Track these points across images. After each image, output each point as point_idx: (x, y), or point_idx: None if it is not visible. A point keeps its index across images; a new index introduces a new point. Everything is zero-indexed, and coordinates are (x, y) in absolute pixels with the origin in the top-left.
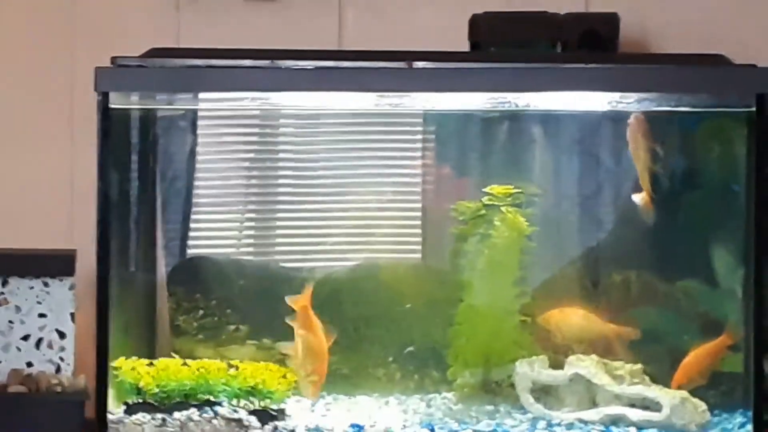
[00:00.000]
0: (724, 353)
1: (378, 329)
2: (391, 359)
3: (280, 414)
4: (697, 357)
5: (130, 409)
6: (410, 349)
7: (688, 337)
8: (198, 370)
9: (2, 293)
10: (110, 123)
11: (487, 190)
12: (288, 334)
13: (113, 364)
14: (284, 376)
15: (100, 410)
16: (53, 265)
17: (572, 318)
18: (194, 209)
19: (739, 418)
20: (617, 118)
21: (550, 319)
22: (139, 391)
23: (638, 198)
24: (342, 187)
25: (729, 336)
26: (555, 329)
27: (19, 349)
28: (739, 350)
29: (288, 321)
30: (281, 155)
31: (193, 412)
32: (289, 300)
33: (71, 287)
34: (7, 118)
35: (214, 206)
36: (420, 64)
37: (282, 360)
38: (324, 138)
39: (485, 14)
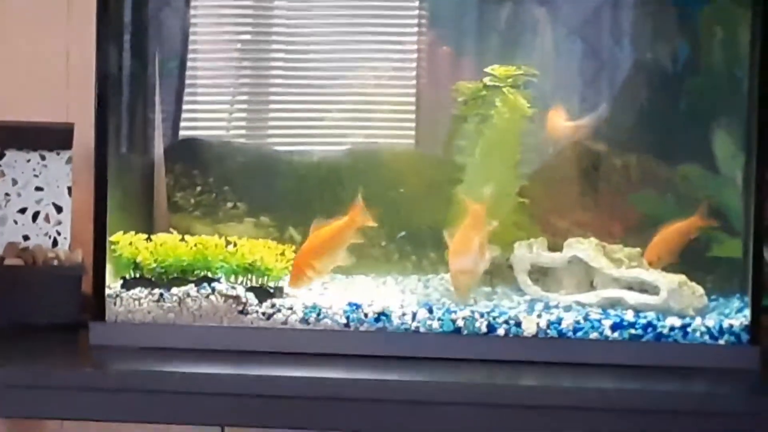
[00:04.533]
0: (694, 233)
1: (376, 210)
2: (389, 240)
3: (278, 292)
4: (665, 236)
5: (127, 284)
6: (402, 234)
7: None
8: (196, 246)
9: None
10: None
11: (488, 70)
12: (286, 213)
13: (111, 238)
14: (282, 254)
15: (97, 284)
16: (51, 138)
17: None
18: (191, 87)
19: (736, 303)
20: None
21: None
22: (136, 267)
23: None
24: (339, 70)
25: (700, 217)
26: None
27: (15, 222)
28: (737, 235)
29: None
30: (274, 37)
31: (191, 288)
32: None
33: (68, 161)
34: None
35: (210, 87)
36: None
37: (279, 238)
38: (319, 16)
39: None
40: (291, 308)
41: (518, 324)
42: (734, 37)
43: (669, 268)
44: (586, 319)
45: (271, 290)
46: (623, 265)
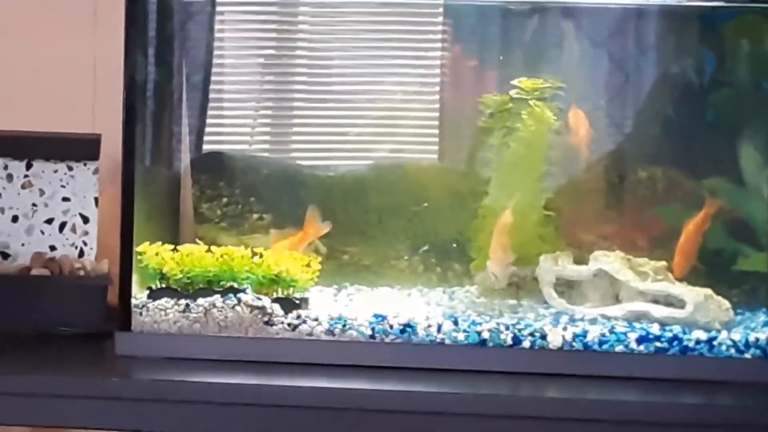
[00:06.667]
0: (708, 223)
1: (401, 221)
2: (414, 252)
3: (304, 303)
4: (687, 236)
5: (154, 295)
6: (425, 248)
7: (712, 235)
8: (222, 256)
9: (26, 176)
10: (137, 7)
11: (515, 83)
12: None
13: (137, 249)
14: (308, 265)
15: (123, 294)
16: (78, 148)
17: None
18: (218, 99)
19: (762, 317)
20: (647, 12)
21: None
22: (162, 277)
23: None
24: (363, 84)
25: (710, 206)
26: None
27: (42, 233)
28: (763, 249)
29: None
30: (299, 51)
31: (217, 299)
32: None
33: (95, 171)
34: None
35: (236, 101)
36: None
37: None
38: (343, 31)
39: None
40: (316, 319)
41: (543, 336)
42: (760, 49)
43: (695, 281)
44: (611, 332)
45: (297, 301)
46: (649, 278)
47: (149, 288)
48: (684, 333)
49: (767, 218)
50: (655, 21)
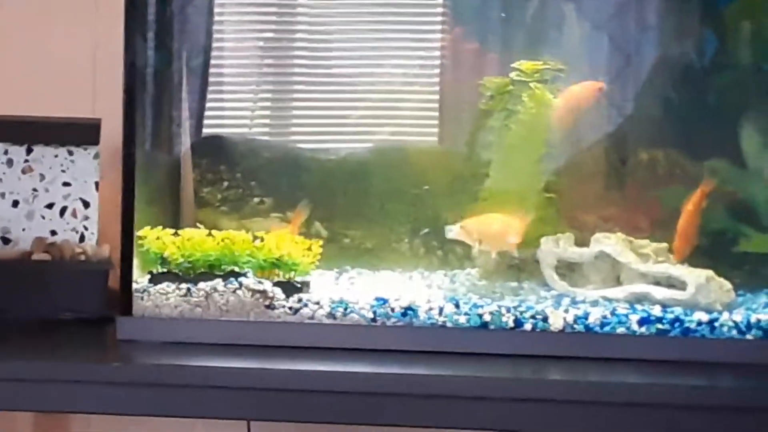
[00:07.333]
0: (704, 202)
1: (402, 205)
2: (414, 236)
3: (305, 286)
4: (685, 216)
5: (155, 279)
6: (426, 230)
7: (717, 217)
8: (223, 240)
9: (27, 161)
10: None
11: (515, 65)
12: (312, 209)
13: (138, 233)
14: (309, 248)
15: (125, 279)
16: (78, 133)
17: None
18: (217, 82)
19: (763, 299)
20: None
21: None
22: (163, 261)
23: None
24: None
25: (706, 185)
26: None
27: (43, 218)
28: (765, 230)
29: None
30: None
31: (218, 283)
32: None
33: (96, 156)
34: None
35: (235, 85)
36: None
37: (306, 233)
38: (342, 14)
39: None
40: (318, 303)
41: (545, 319)
42: (762, 31)
43: (696, 263)
44: (613, 314)
45: (299, 285)
46: (650, 260)
47: (150, 272)
48: (686, 315)
49: (767, 199)
50: (655, 2)
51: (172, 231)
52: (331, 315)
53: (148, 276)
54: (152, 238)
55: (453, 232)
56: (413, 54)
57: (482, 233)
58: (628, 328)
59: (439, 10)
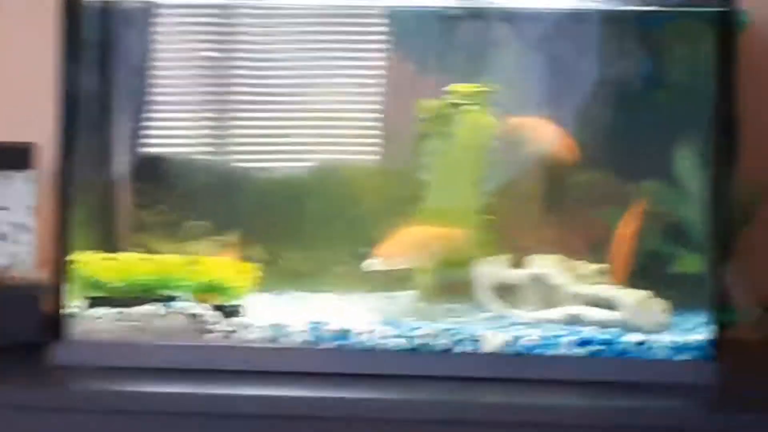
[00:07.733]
0: (635, 224)
1: (339, 227)
2: (353, 257)
3: (240, 310)
4: (620, 238)
5: (89, 303)
6: (364, 250)
7: (651, 238)
8: (157, 264)
9: None
10: (70, 13)
11: (450, 88)
12: (248, 232)
13: (70, 257)
14: (245, 271)
15: (58, 304)
16: (13, 157)
17: None
18: (153, 105)
19: (698, 319)
20: (583, 18)
21: None
22: (98, 286)
23: None
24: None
25: (635, 206)
26: None
27: None
28: (698, 251)
29: None
30: (239, 54)
31: (153, 306)
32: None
33: (32, 180)
34: None
35: (173, 104)
36: None
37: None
38: (283, 35)
39: None
40: (253, 326)
41: (480, 341)
42: (696, 53)
43: (632, 284)
44: (548, 335)
45: (233, 308)
46: (587, 281)
47: (85, 297)
48: (621, 335)
49: (701, 220)
50: (591, 26)
51: (106, 255)
52: (267, 338)
53: (83, 301)
54: (86, 262)
55: (374, 264)
56: (354, 74)
57: (401, 251)
58: (563, 350)
59: (381, 29)
